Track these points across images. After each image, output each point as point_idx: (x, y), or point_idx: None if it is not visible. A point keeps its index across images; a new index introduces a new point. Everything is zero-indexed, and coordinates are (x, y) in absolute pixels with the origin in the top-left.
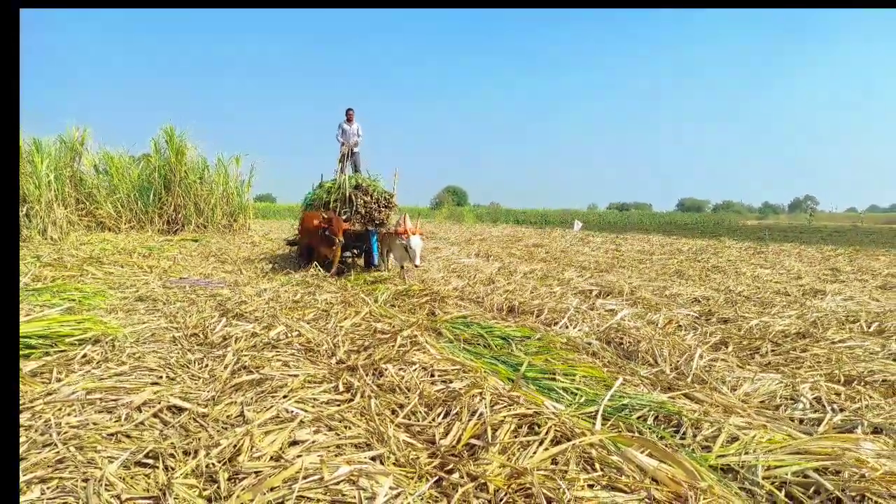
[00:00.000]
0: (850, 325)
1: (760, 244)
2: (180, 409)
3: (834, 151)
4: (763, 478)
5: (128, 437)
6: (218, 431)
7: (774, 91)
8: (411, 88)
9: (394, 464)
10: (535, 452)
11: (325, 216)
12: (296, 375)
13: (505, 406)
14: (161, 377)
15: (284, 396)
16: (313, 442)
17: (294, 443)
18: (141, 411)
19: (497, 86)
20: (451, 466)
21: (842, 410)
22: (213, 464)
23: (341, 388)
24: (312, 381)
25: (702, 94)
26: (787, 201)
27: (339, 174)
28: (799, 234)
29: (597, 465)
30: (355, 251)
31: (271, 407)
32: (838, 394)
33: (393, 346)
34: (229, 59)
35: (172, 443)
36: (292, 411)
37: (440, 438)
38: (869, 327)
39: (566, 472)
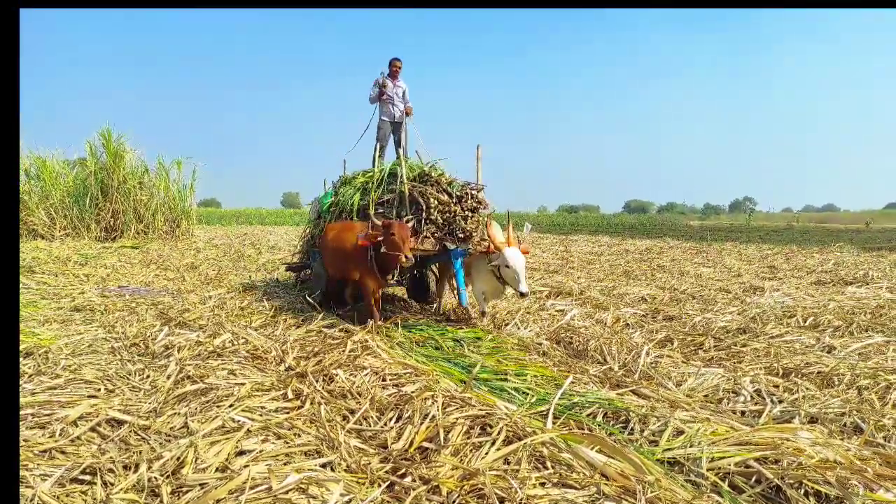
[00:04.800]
0: (787, 320)
1: (703, 244)
2: (120, 423)
3: (771, 154)
4: (707, 469)
5: (63, 453)
6: (160, 444)
7: (713, 97)
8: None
9: (345, 470)
10: (487, 453)
11: (381, 222)
12: (243, 384)
13: (457, 408)
14: (99, 390)
15: (231, 406)
16: (261, 451)
17: (241, 453)
18: (77, 425)
19: (445, 90)
20: (403, 470)
21: (780, 402)
22: (155, 477)
23: (290, 396)
24: (260, 389)
25: (645, 99)
26: (727, 202)
27: (379, 157)
28: (739, 233)
29: (548, 463)
30: (398, 279)
31: (217, 417)
32: (777, 386)
33: (343, 351)
34: (174, 59)
35: (111, 457)
36: (239, 420)
37: (392, 443)
38: (805, 322)
39: (518, 471)
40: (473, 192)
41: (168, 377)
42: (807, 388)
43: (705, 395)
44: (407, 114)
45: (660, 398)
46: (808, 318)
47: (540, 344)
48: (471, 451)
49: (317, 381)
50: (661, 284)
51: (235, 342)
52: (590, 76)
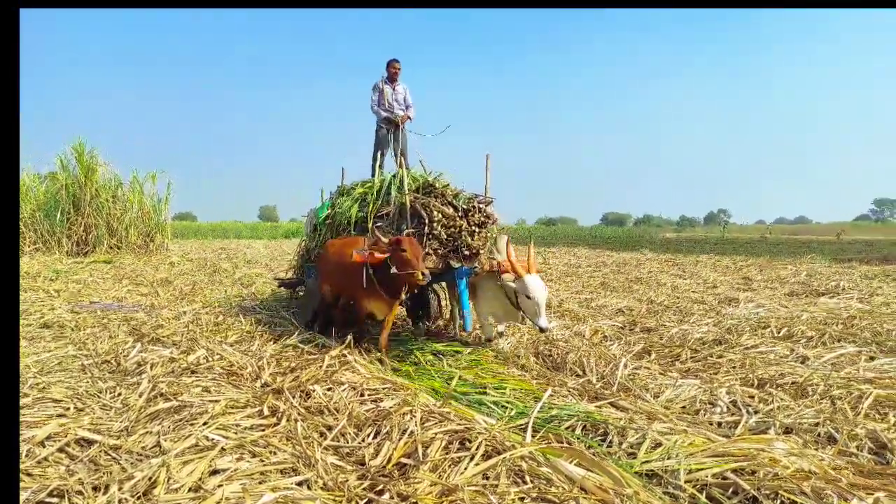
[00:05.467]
0: (762, 331)
1: (679, 256)
2: (90, 442)
3: (745, 167)
4: (685, 481)
5: (29, 475)
6: (131, 464)
7: (687, 110)
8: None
9: (322, 488)
10: (466, 468)
11: (388, 239)
12: (217, 401)
13: (436, 422)
14: (68, 409)
15: (204, 423)
16: (235, 470)
17: (215, 472)
18: (44, 446)
19: (442, 90)
20: (381, 487)
21: (756, 412)
22: (125, 498)
23: (266, 412)
24: (235, 407)
25: (621, 113)
26: (702, 214)
27: (379, 167)
28: (714, 245)
29: (527, 478)
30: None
31: (190, 435)
32: (752, 397)
33: (321, 366)
34: (141, 64)
35: (80, 478)
36: (213, 439)
37: (370, 459)
38: (779, 332)
39: (497, 486)
40: (481, 205)
41: (140, 395)
42: (781, 399)
43: (682, 407)
44: (402, 121)
45: (638, 410)
46: (782, 328)
47: (518, 357)
48: (450, 466)
49: (293, 398)
50: (638, 296)
51: (210, 358)
52: (588, 76)
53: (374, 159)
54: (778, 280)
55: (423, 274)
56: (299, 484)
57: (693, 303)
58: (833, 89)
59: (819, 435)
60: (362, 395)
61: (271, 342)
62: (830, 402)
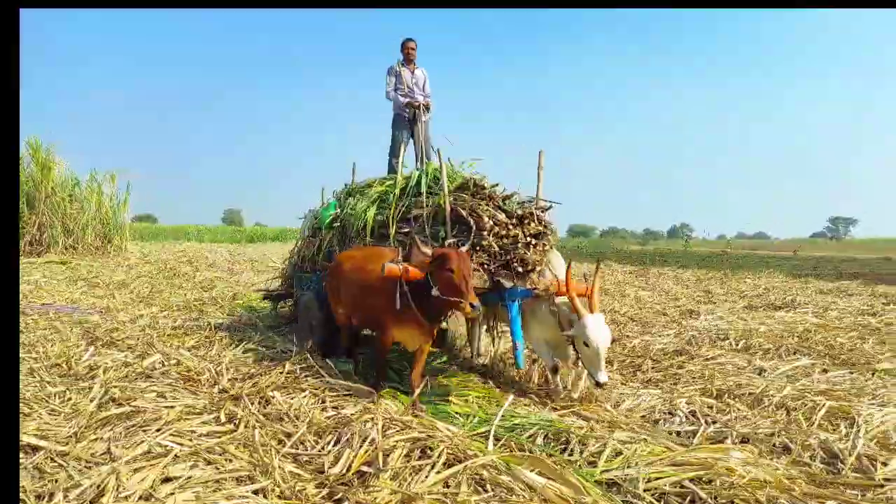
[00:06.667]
0: (721, 343)
1: (642, 268)
2: (35, 448)
3: (707, 183)
4: (644, 489)
5: None
6: (79, 471)
7: (652, 124)
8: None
9: (278, 496)
10: (427, 476)
11: (434, 252)
12: (172, 407)
13: (398, 430)
14: None
15: (158, 430)
16: (189, 478)
17: (167, 479)
18: None
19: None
20: (339, 496)
21: (714, 422)
22: None
23: (223, 419)
24: (191, 413)
25: (584, 124)
26: (665, 228)
27: (399, 162)
28: (676, 258)
29: (488, 486)
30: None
31: (142, 442)
32: (711, 407)
33: (282, 372)
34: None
35: (23, 486)
36: (166, 445)
37: (329, 467)
38: (737, 344)
39: (458, 494)
40: (537, 212)
41: (91, 400)
42: (739, 409)
43: (643, 416)
44: (425, 107)
45: (599, 419)
46: (740, 340)
47: (484, 365)
48: (411, 474)
49: (252, 404)
50: (602, 307)
51: (166, 363)
52: (558, 85)
53: (393, 153)
54: (737, 293)
55: (472, 305)
56: (255, 492)
57: (655, 314)
58: (792, 110)
59: (774, 445)
60: (324, 401)
61: (231, 347)
62: (785, 412)
